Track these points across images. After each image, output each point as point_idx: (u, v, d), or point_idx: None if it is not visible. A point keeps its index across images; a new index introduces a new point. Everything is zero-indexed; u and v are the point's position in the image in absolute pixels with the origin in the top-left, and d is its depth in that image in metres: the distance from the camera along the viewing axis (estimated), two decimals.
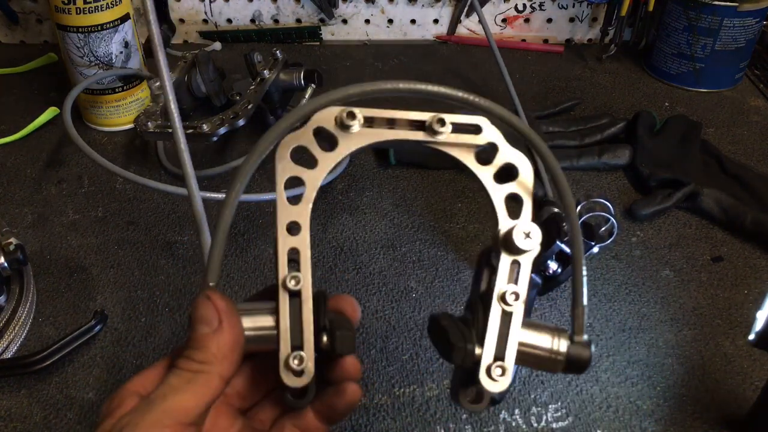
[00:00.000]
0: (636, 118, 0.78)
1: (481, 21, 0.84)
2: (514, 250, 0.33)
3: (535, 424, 0.50)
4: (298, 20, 1.00)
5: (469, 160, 0.34)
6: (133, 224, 0.67)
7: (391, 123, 0.34)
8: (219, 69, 0.80)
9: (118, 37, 0.75)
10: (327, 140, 0.34)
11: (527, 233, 0.32)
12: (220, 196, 0.63)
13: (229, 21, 1.00)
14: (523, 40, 1.02)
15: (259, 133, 0.80)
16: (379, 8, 0.99)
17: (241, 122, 0.69)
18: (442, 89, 0.32)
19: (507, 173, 0.35)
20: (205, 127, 0.67)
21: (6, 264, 0.56)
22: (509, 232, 0.33)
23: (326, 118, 0.33)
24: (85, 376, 0.53)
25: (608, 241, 0.58)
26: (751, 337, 0.46)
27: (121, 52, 0.76)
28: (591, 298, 0.60)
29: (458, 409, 0.51)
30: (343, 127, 0.33)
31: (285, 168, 0.33)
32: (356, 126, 0.33)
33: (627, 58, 0.98)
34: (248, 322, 0.32)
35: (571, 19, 1.01)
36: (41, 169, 0.75)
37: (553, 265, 0.58)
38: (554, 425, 0.50)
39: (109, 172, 0.64)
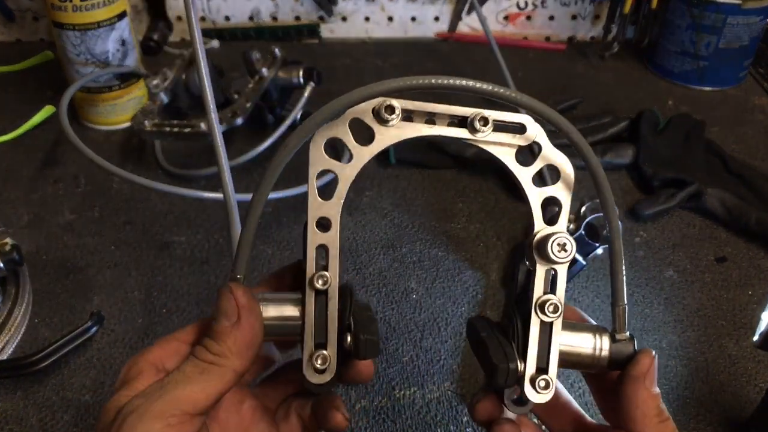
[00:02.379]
0: (639, 117, 0.77)
1: (480, 20, 0.83)
2: (549, 260, 0.32)
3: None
4: (297, 18, 1.00)
5: (509, 159, 0.33)
6: (129, 224, 0.66)
7: (431, 117, 0.32)
8: (217, 67, 0.79)
9: (115, 34, 0.74)
10: (363, 133, 0.33)
11: (562, 245, 0.32)
12: (219, 195, 0.62)
13: (227, 18, 0.99)
14: (525, 38, 1.01)
15: (258, 132, 0.80)
16: (379, 5, 0.99)
17: (239, 121, 0.69)
18: (497, 89, 0.31)
19: (547, 175, 0.34)
20: (203, 125, 0.66)
21: (2, 264, 0.56)
22: (544, 242, 0.32)
23: (363, 109, 0.32)
24: (82, 378, 0.52)
25: None
26: (756, 338, 0.46)
27: (118, 50, 0.76)
28: (594, 299, 0.60)
29: (459, 412, 0.50)
30: (381, 120, 0.32)
31: (318, 160, 0.32)
32: (395, 119, 0.32)
33: (630, 56, 0.97)
34: (273, 311, 0.33)
35: (574, 17, 1.00)
36: (37, 168, 0.74)
37: None
38: None
39: (105, 172, 0.63)
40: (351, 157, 0.32)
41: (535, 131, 0.33)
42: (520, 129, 0.33)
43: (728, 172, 0.73)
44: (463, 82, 0.30)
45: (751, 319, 0.58)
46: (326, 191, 0.32)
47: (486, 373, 0.33)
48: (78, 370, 0.53)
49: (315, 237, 0.32)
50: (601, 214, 0.57)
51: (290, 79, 0.75)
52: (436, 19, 1.00)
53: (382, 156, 0.75)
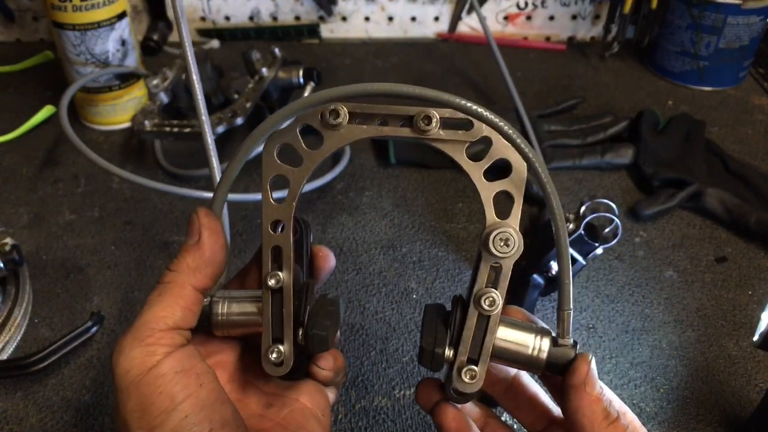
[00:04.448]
0: (639, 117, 0.77)
1: (480, 20, 0.83)
2: (492, 255, 0.33)
3: None
4: (297, 18, 1.00)
5: (459, 155, 0.33)
6: (129, 224, 0.66)
7: (383, 119, 0.33)
8: (217, 67, 0.79)
9: (115, 35, 0.74)
10: (312, 137, 0.34)
11: (505, 240, 0.32)
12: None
13: (227, 18, 0.99)
14: (525, 38, 1.01)
15: None
16: (379, 5, 0.99)
17: (239, 121, 0.69)
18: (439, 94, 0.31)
19: (499, 170, 0.33)
20: None
21: (1, 264, 0.56)
22: (488, 236, 0.32)
23: (311, 115, 0.33)
24: (82, 378, 0.52)
25: (612, 243, 0.58)
26: (755, 338, 0.46)
27: (118, 50, 0.76)
28: (594, 299, 0.60)
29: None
30: (327, 124, 0.33)
31: (270, 166, 0.34)
32: (340, 122, 0.32)
33: (630, 56, 0.97)
34: (236, 308, 0.35)
35: (574, 17, 1.00)
36: (37, 168, 0.74)
37: (555, 266, 0.57)
38: None
39: (105, 172, 0.63)
40: (302, 162, 0.34)
41: (484, 127, 0.33)
42: (467, 125, 0.33)
43: (728, 172, 0.73)
44: (397, 88, 0.31)
45: (751, 319, 0.58)
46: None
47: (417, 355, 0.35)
48: (78, 370, 0.53)
49: (270, 239, 0.34)
50: (602, 214, 0.57)
51: (290, 79, 0.75)
52: (436, 19, 1.00)
53: (383, 156, 0.75)
